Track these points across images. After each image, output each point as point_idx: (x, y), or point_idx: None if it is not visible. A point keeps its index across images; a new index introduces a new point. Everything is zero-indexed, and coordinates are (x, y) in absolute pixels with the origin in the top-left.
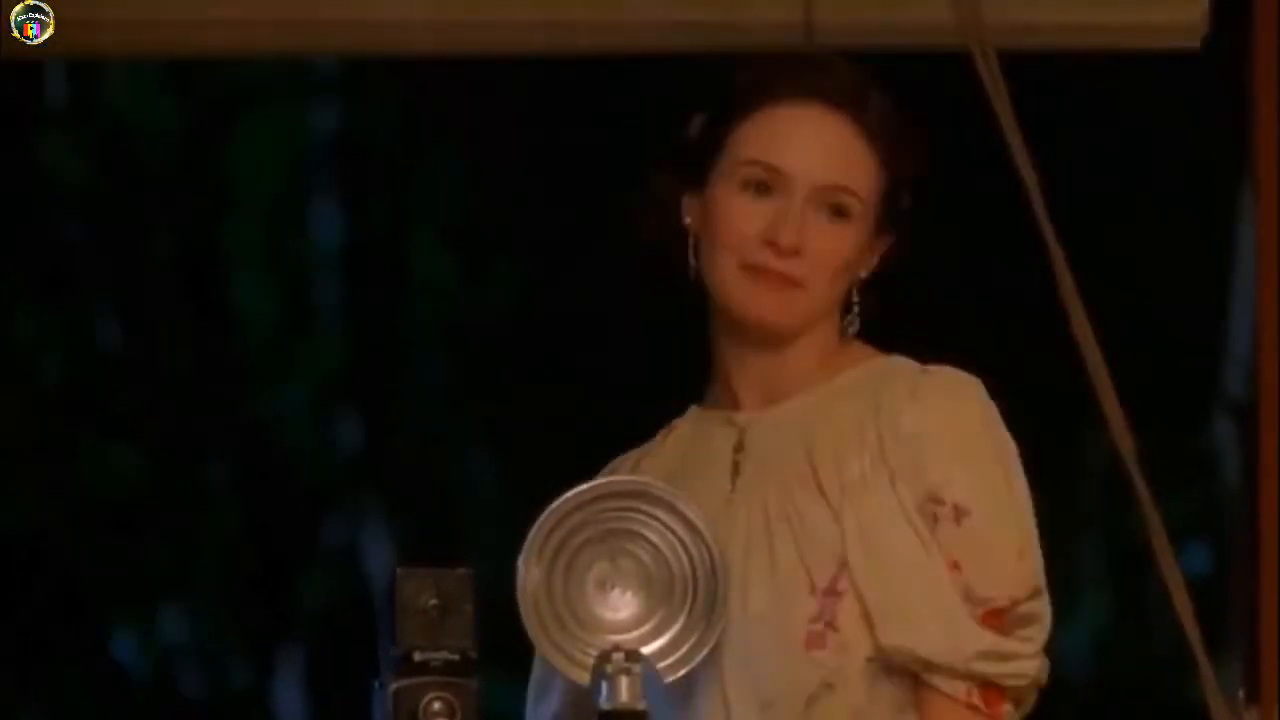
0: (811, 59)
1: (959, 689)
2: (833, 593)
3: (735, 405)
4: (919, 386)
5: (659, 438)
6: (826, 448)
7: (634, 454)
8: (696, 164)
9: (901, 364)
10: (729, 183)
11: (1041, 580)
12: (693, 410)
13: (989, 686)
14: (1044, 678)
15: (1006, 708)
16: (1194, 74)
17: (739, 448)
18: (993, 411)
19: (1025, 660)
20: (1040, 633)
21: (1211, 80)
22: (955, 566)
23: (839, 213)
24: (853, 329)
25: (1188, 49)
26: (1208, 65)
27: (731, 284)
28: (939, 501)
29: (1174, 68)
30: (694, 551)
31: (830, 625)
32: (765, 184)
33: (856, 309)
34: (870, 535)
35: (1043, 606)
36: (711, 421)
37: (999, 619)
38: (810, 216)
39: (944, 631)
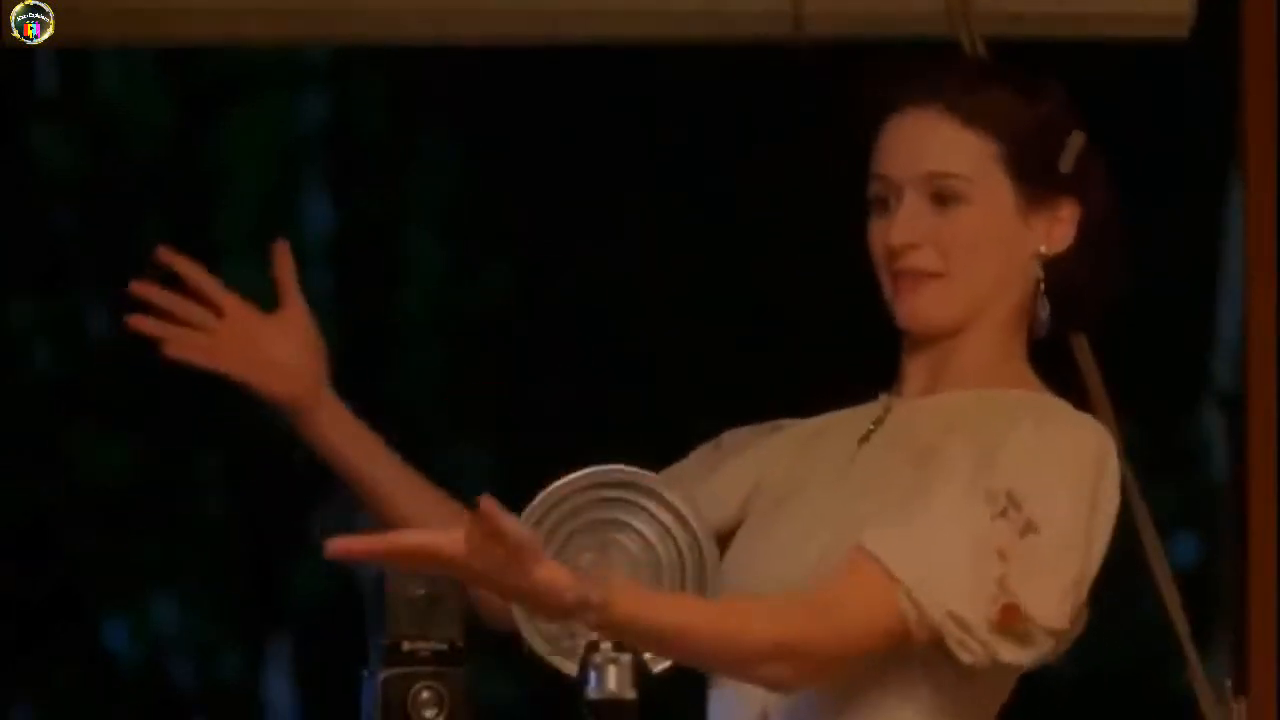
0: (913, 65)
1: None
2: None
3: (900, 392)
4: (1050, 411)
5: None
6: (947, 436)
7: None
8: None
9: (1057, 401)
10: (870, 209)
11: (1064, 626)
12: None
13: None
14: (1075, 630)
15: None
16: (1182, 63)
17: (878, 422)
18: (1112, 465)
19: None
20: (1029, 656)
21: (1200, 69)
22: (1001, 555)
23: (947, 197)
24: (1044, 312)
25: (1176, 38)
26: (1196, 54)
27: (891, 299)
28: (1016, 505)
29: (1163, 57)
30: (681, 542)
31: None
32: (883, 197)
33: (1042, 286)
34: (926, 489)
35: (1049, 648)
36: (876, 403)
37: (1012, 618)
38: (921, 210)
39: (971, 589)
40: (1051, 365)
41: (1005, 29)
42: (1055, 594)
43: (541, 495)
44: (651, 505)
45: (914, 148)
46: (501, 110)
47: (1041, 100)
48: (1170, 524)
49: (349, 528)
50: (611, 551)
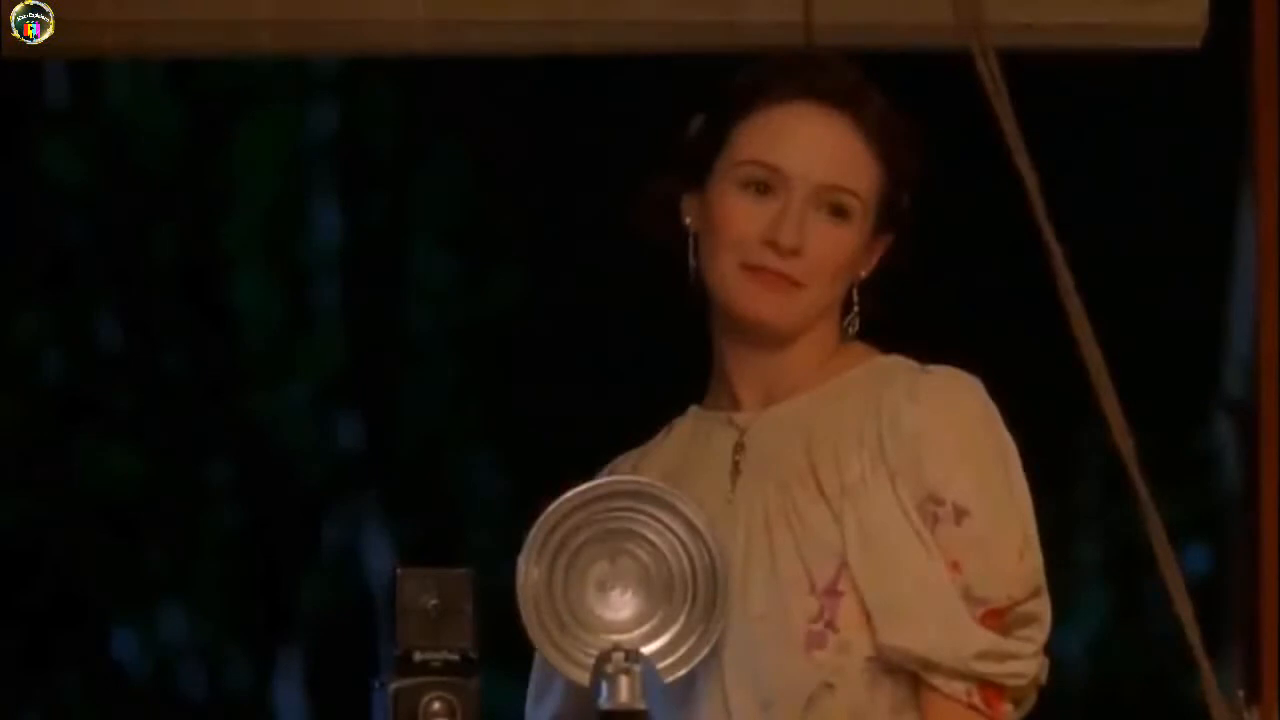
0: (811, 58)
1: (959, 689)
2: (833, 592)
3: (735, 405)
4: (918, 386)
5: (659, 437)
6: (826, 447)
7: (633, 454)
8: (696, 164)
9: (901, 363)
10: (729, 183)
11: (1041, 579)
12: (693, 410)
13: (989, 686)
14: (1043, 677)
15: (1007, 707)
16: (1194, 73)
17: (739, 448)
18: (992, 411)
19: (1024, 660)
20: (1040, 633)
21: (1211, 79)
22: (955, 567)
23: (838, 213)
24: (853, 329)
25: (1188, 48)
26: (1208, 64)
27: (732, 283)
28: (939, 502)
29: (1174, 67)
30: (694, 551)
31: (830, 625)
32: (765, 184)
33: (856, 308)
34: (870, 535)
35: (1042, 606)
36: (712, 422)
37: (999, 619)
38: (810, 216)
39: (944, 631)
40: (1061, 374)
41: (1017, 39)
42: (1012, 564)
43: (554, 505)
44: (664, 516)
45: (820, 152)
46: (510, 121)
47: (917, 140)
48: (1182, 534)
49: (357, 538)
50: (623, 562)
